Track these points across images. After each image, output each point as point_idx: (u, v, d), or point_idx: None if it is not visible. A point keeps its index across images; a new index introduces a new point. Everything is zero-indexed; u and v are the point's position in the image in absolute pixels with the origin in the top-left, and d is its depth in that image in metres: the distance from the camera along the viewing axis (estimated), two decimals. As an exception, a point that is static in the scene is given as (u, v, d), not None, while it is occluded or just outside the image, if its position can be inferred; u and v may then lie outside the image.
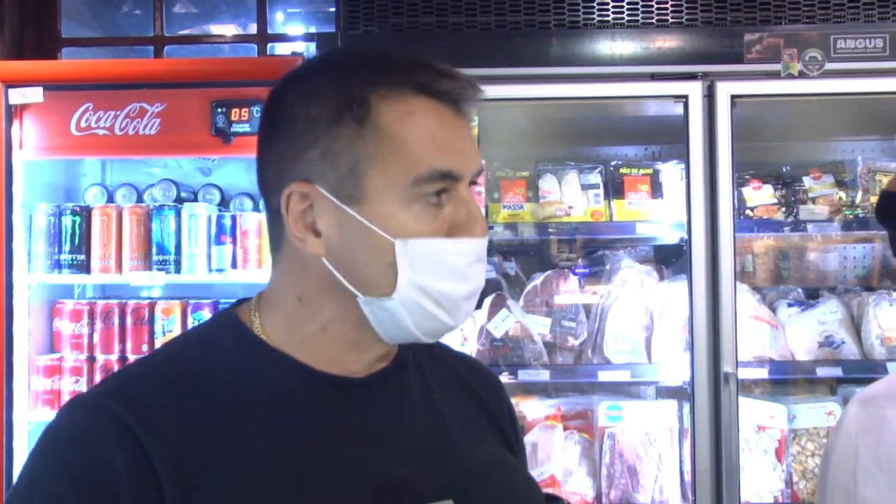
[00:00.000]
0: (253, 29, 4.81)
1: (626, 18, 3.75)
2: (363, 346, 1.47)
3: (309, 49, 4.14)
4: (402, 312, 1.39)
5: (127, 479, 1.30)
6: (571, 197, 3.95)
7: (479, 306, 3.85)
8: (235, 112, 3.70)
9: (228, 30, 4.99)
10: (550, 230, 3.94)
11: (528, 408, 3.89)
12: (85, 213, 3.91)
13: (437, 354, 1.68)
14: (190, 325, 3.84)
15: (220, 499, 1.33)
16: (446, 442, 1.54)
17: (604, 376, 3.82)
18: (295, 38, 4.78)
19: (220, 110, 3.70)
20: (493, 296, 3.89)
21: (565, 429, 3.90)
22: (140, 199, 4.07)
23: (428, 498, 1.44)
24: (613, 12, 3.74)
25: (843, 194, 3.93)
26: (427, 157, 1.38)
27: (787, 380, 4.05)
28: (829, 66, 3.58)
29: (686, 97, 3.64)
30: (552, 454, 3.74)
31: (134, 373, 1.49)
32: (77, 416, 1.38)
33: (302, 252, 1.43)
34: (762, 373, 3.82)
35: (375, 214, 1.38)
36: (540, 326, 3.94)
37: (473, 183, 1.45)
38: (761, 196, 4.00)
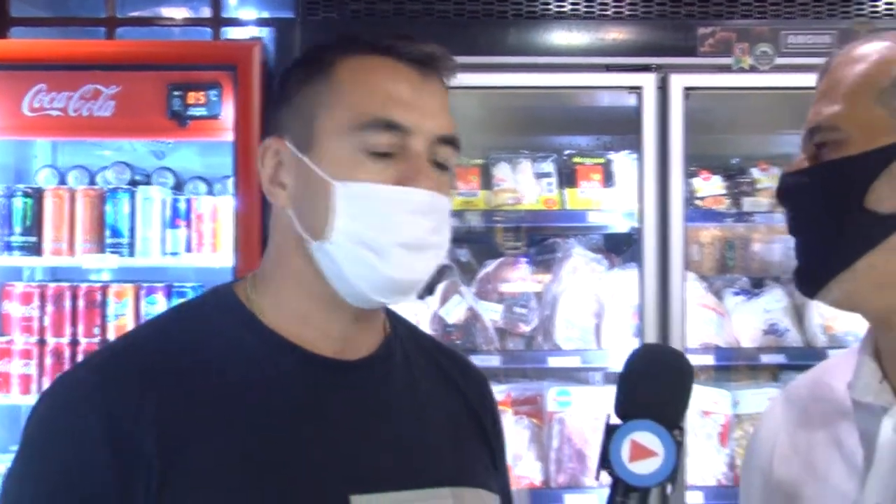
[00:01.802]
0: (205, 12, 4.81)
1: (583, 10, 3.84)
2: (334, 305, 1.48)
3: (262, 33, 4.19)
4: (341, 258, 1.42)
5: (110, 456, 1.35)
6: (525, 185, 4.03)
7: (431, 292, 3.93)
8: (192, 96, 3.73)
9: (180, 12, 4.97)
10: (500, 218, 4.01)
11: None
12: (37, 195, 3.92)
13: (424, 346, 1.71)
14: (143, 309, 3.89)
15: (202, 474, 1.37)
16: (425, 433, 1.57)
17: (554, 362, 3.90)
18: (248, 22, 4.80)
19: (176, 94, 3.72)
20: (446, 282, 3.94)
21: (515, 414, 3.96)
22: (92, 182, 4.07)
23: (403, 486, 1.48)
24: (570, 4, 3.84)
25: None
26: (372, 106, 1.43)
27: (731, 366, 4.15)
28: (780, 60, 3.70)
29: (640, 89, 3.72)
30: None
31: (123, 346, 1.54)
32: (62, 397, 1.43)
33: (278, 212, 1.50)
34: (708, 359, 3.93)
35: (322, 159, 1.44)
36: (492, 312, 4.00)
37: (441, 165, 1.48)
38: (710, 187, 4.10)
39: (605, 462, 1.31)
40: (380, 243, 1.43)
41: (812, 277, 1.42)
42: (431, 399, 1.62)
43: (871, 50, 1.41)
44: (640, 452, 1.31)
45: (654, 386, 1.36)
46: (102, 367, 1.46)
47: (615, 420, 1.34)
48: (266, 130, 1.54)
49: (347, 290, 1.46)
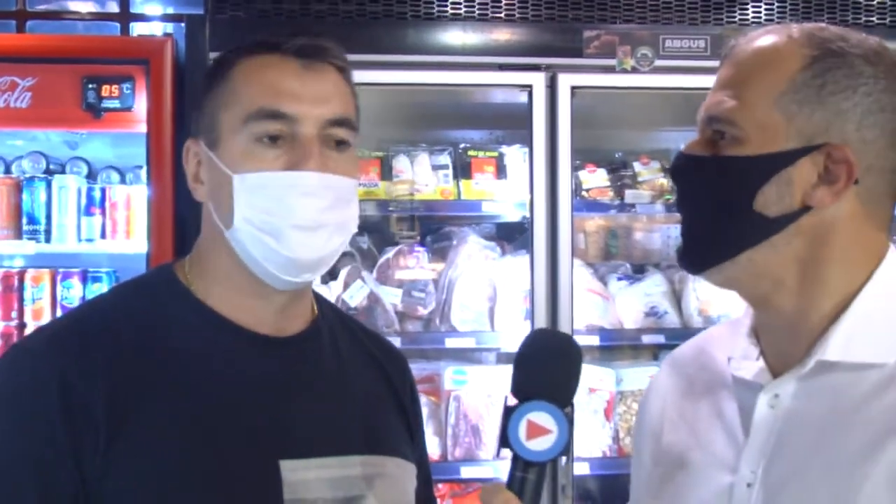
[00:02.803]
0: (112, 7, 4.88)
1: (477, 12, 3.96)
2: (258, 289, 1.59)
3: (168, 29, 4.31)
4: (248, 243, 1.54)
5: (61, 417, 1.45)
6: (423, 176, 4.16)
7: (335, 277, 4.04)
8: (106, 88, 3.84)
9: (86, 6, 5.05)
10: (400, 207, 4.16)
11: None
12: (-46, 183, 3.99)
13: (350, 328, 1.81)
14: (59, 294, 3.99)
15: (145, 437, 1.48)
16: (349, 405, 1.67)
17: (450, 343, 4.06)
18: (155, 17, 4.88)
19: (91, 86, 3.83)
20: (348, 267, 4.07)
21: None
22: (8, 171, 4.17)
23: (328, 453, 1.59)
24: (465, 5, 3.95)
25: (666, 180, 4.21)
26: (257, 98, 1.53)
27: (615, 346, 4.33)
28: (659, 62, 3.87)
29: (530, 87, 3.86)
30: None
31: (74, 318, 1.67)
32: (17, 366, 1.54)
33: (203, 205, 1.62)
34: (594, 340, 4.10)
35: (223, 153, 1.56)
36: (392, 297, 4.12)
37: (341, 141, 1.58)
38: (595, 179, 4.28)
39: (505, 441, 1.38)
40: (275, 227, 1.53)
41: (698, 260, 1.48)
42: (355, 375, 1.72)
43: (774, 45, 1.41)
44: (536, 431, 1.37)
45: (545, 368, 1.42)
46: (54, 337, 1.57)
47: (512, 401, 1.40)
48: (188, 134, 1.66)
49: (260, 271, 1.56)
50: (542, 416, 1.37)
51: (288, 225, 1.53)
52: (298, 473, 1.55)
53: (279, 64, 1.57)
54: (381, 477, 1.64)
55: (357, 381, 1.72)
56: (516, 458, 1.38)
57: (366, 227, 4.41)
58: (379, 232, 4.48)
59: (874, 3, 4.15)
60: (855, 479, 1.33)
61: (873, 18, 4.10)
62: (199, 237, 1.67)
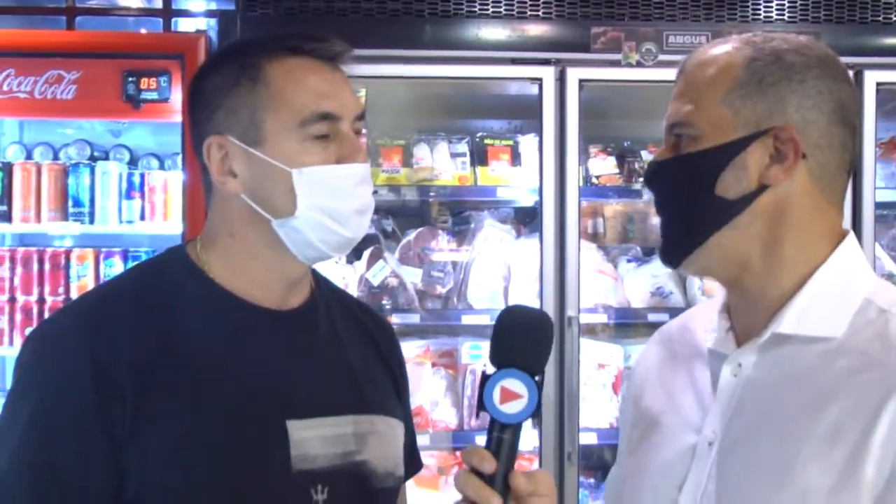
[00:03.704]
0: (157, 2, 5.10)
1: (491, 10, 4.10)
2: (284, 268, 1.74)
3: (210, 25, 4.51)
4: (306, 229, 1.67)
5: (93, 387, 1.56)
6: (441, 164, 4.32)
7: (358, 257, 4.23)
8: (145, 81, 4.06)
9: (135, 1, 5.30)
10: (422, 192, 4.34)
11: (402, 348, 4.31)
12: (7, 169, 4.26)
13: (344, 301, 1.96)
14: (102, 271, 4.23)
15: (165, 401, 1.59)
16: (347, 370, 1.81)
17: (467, 320, 4.23)
18: (197, 13, 5.12)
19: (130, 79, 4.06)
20: (371, 248, 4.24)
21: (433, 366, 4.31)
22: (56, 157, 4.43)
23: (328, 413, 1.72)
24: (480, 3, 4.10)
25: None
26: (309, 103, 1.65)
27: (625, 324, 4.48)
28: (662, 57, 4.01)
29: (541, 80, 4.02)
30: (421, 387, 4.15)
31: (99, 296, 1.79)
32: (50, 343, 1.65)
33: (225, 194, 1.70)
34: (603, 318, 4.29)
35: (275, 151, 1.65)
36: (412, 276, 4.30)
37: (358, 131, 1.72)
38: (605, 167, 4.45)
39: (482, 405, 1.48)
40: (341, 212, 1.68)
41: (676, 252, 1.60)
42: (348, 343, 1.85)
43: (717, 54, 1.55)
44: (509, 395, 1.47)
45: (518, 341, 1.52)
46: (84, 313, 1.68)
47: (490, 370, 1.50)
48: (199, 128, 1.72)
49: (309, 253, 1.71)
50: (514, 383, 1.47)
51: (351, 210, 1.70)
52: (302, 432, 1.67)
53: (315, 68, 1.69)
54: (372, 434, 1.77)
55: (350, 348, 1.85)
56: (492, 421, 1.48)
57: (391, 210, 4.61)
58: (401, 215, 4.65)
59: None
60: (799, 438, 1.45)
61: (867, 15, 4.23)
62: (209, 222, 1.78)
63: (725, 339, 1.62)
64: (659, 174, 1.62)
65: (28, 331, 3.80)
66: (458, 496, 1.50)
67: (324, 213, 1.68)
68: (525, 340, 1.54)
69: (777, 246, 1.54)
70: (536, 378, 1.50)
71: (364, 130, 1.81)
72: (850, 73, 3.77)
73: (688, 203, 1.56)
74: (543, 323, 1.58)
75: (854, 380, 1.46)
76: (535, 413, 1.48)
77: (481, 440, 1.55)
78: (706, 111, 1.53)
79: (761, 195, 1.52)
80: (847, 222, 4.05)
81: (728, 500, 1.53)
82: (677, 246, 1.60)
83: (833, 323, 1.52)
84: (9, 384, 1.68)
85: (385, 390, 1.90)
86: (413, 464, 1.99)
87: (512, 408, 1.47)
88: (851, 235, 1.60)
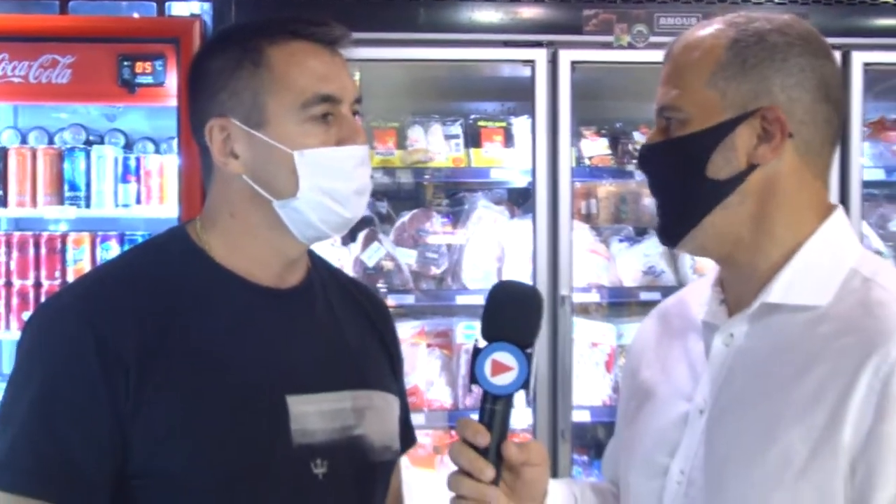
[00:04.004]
0: None
1: None
2: (284, 248, 1.77)
3: (204, 9, 4.53)
4: (307, 210, 1.70)
5: (98, 364, 1.59)
6: (435, 146, 4.34)
7: (353, 239, 4.27)
8: (140, 65, 4.07)
9: (128, -15, 5.27)
10: (416, 174, 4.35)
11: (397, 329, 4.34)
12: (2, 154, 4.28)
13: (340, 280, 2.00)
14: (98, 255, 4.26)
15: (168, 377, 1.62)
16: (344, 347, 1.84)
17: (461, 300, 4.28)
18: None
19: (125, 63, 4.07)
20: (366, 230, 4.27)
21: (428, 346, 4.35)
22: (51, 142, 4.43)
23: (326, 388, 1.76)
24: None
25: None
26: (310, 86, 1.68)
27: (618, 303, 4.54)
28: (654, 39, 4.04)
29: (533, 62, 4.08)
30: (416, 367, 4.20)
31: (100, 276, 1.83)
32: (54, 321, 1.66)
33: (227, 175, 1.73)
34: (595, 297, 4.35)
35: (277, 134, 1.68)
36: (407, 257, 4.33)
37: (356, 113, 1.75)
38: (597, 148, 4.47)
39: (474, 378, 1.53)
40: (341, 193, 1.71)
41: (672, 233, 1.64)
42: (345, 320, 1.88)
43: (701, 36, 1.59)
44: (500, 368, 1.52)
45: (508, 314, 1.56)
46: (85, 294, 1.70)
47: (482, 343, 1.54)
48: (200, 110, 1.75)
49: (309, 233, 1.74)
50: (504, 356, 1.52)
51: (351, 190, 1.73)
52: (301, 407, 1.71)
53: (316, 52, 1.72)
54: (369, 409, 1.81)
55: (346, 325, 1.88)
56: (485, 393, 1.53)
57: (384, 192, 4.64)
58: (395, 197, 4.69)
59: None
60: (783, 403, 1.50)
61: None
62: (209, 202, 1.81)
63: (718, 310, 1.67)
64: (650, 158, 1.66)
65: (25, 315, 3.87)
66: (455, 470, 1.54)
67: (324, 194, 1.70)
68: (515, 314, 1.57)
69: (767, 222, 1.58)
70: (527, 351, 1.53)
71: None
72: (838, 53, 3.96)
73: (680, 185, 1.60)
74: (533, 297, 1.61)
75: (835, 344, 1.50)
76: (526, 384, 1.52)
77: (476, 418, 1.58)
78: (693, 95, 1.56)
79: (751, 174, 1.56)
80: (835, 200, 4.12)
81: (716, 465, 1.57)
82: (673, 227, 1.64)
83: (820, 292, 1.56)
84: (6, 368, 1.70)
85: (381, 366, 1.94)
86: (408, 439, 2.02)
87: (503, 380, 1.52)
88: (840, 209, 1.64)
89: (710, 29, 1.60)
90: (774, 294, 1.57)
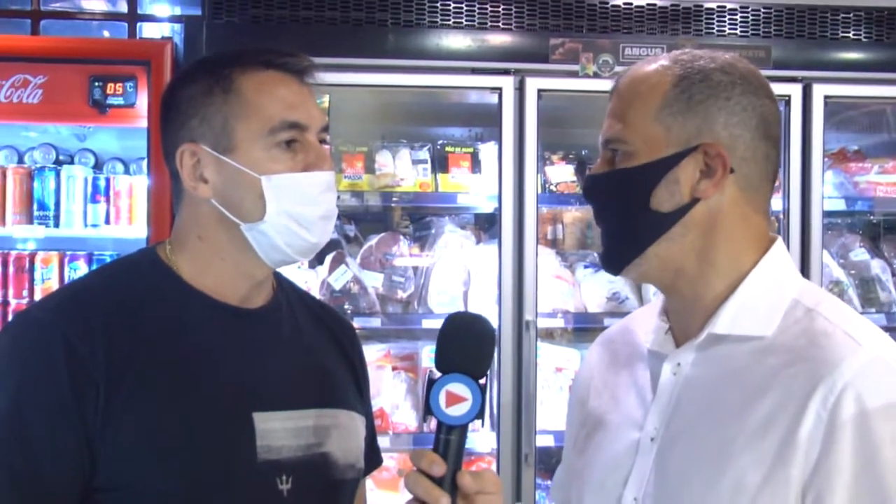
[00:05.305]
0: (122, 6, 5.10)
1: (453, 20, 4.18)
2: (250, 270, 1.81)
3: (175, 31, 4.57)
4: (273, 233, 1.74)
5: (68, 378, 1.61)
6: (403, 170, 4.36)
7: (321, 262, 4.27)
8: (111, 86, 4.09)
9: (99, 5, 5.29)
10: (384, 198, 4.35)
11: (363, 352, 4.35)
12: (-29, 172, 4.26)
13: (306, 301, 2.04)
14: (67, 275, 4.26)
15: (137, 392, 1.65)
16: (310, 366, 1.89)
17: (427, 324, 4.28)
18: (162, 18, 5.11)
19: (97, 84, 4.09)
20: (333, 253, 4.27)
21: (394, 369, 4.36)
22: (21, 161, 4.45)
23: (292, 406, 1.80)
24: (442, 14, 4.16)
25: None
26: (278, 113, 1.73)
27: (582, 329, 4.54)
28: (619, 68, 4.06)
29: (500, 89, 4.10)
30: (382, 390, 4.22)
31: (71, 292, 1.86)
32: (26, 332, 1.69)
33: (196, 199, 1.77)
34: (559, 322, 4.37)
35: (245, 159, 1.73)
36: (374, 280, 4.35)
37: (323, 141, 1.79)
38: (563, 174, 4.53)
39: (428, 409, 1.56)
40: (307, 218, 1.75)
41: (615, 260, 1.68)
42: (312, 340, 1.93)
43: (647, 72, 1.63)
44: (454, 399, 1.55)
45: (460, 347, 1.60)
46: (57, 307, 1.73)
47: (436, 374, 1.58)
48: (171, 136, 1.80)
49: (275, 256, 1.78)
50: (458, 387, 1.56)
51: (317, 216, 1.77)
52: (267, 423, 1.74)
53: (285, 81, 1.78)
54: (335, 427, 1.85)
55: (313, 345, 1.93)
56: (440, 424, 1.57)
57: (354, 215, 4.67)
58: (363, 221, 4.71)
59: (845, 17, 4.38)
60: (733, 432, 1.53)
61: (815, 31, 4.34)
62: (178, 225, 1.85)
63: (664, 340, 1.70)
64: (596, 188, 1.70)
65: (-6, 330, 3.85)
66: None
67: (290, 219, 1.74)
68: (466, 346, 1.61)
69: (710, 254, 1.62)
70: (480, 382, 1.58)
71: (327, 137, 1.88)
72: (800, 85, 4.02)
73: (625, 216, 1.64)
74: (482, 328, 1.64)
75: (782, 374, 1.54)
76: (480, 414, 1.56)
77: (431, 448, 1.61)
78: (639, 129, 1.60)
79: (693, 208, 1.60)
80: (796, 231, 4.19)
81: (669, 492, 1.61)
82: (617, 255, 1.68)
83: (764, 323, 1.60)
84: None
85: (347, 386, 1.97)
86: (373, 460, 2.06)
87: (457, 410, 1.56)
88: (779, 241, 1.68)
89: (655, 65, 1.63)
90: (721, 325, 1.61)
